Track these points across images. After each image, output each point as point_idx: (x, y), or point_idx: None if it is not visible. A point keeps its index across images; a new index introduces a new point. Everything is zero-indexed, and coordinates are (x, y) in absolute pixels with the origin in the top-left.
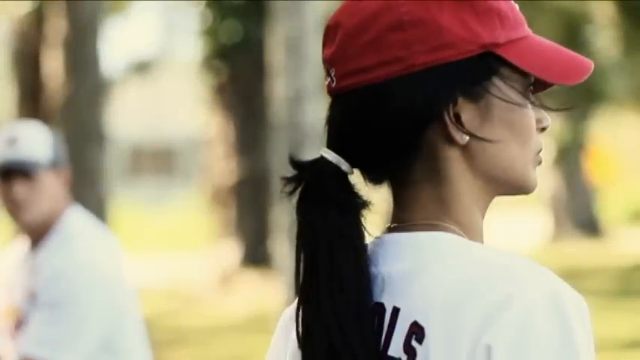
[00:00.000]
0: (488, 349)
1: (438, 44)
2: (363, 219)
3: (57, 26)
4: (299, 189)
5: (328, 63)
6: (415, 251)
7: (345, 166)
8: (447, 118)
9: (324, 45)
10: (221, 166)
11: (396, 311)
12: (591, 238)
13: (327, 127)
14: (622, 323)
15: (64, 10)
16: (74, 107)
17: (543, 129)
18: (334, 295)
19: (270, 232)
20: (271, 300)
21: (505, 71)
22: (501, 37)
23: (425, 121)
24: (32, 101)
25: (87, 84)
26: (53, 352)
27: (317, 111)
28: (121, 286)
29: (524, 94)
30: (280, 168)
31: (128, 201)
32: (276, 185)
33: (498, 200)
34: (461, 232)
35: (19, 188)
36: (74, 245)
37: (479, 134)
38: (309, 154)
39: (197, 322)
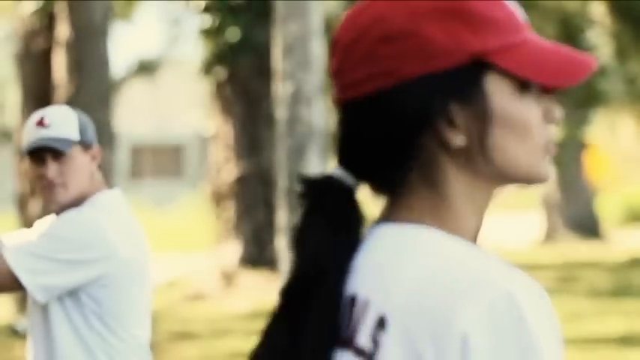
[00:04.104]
0: (465, 337)
1: (427, 55)
2: (358, 234)
3: (64, 27)
4: (306, 203)
5: (332, 76)
6: (391, 243)
7: (350, 180)
8: (440, 125)
9: (331, 58)
10: (222, 166)
11: (366, 302)
12: (588, 239)
13: (335, 139)
14: (619, 322)
15: (72, 12)
16: (82, 108)
17: (552, 120)
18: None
19: (272, 232)
20: (273, 300)
21: (497, 76)
22: (493, 44)
23: (418, 129)
24: (40, 102)
25: (95, 85)
26: (28, 277)
27: (320, 111)
28: (124, 272)
29: (521, 93)
30: (282, 168)
31: (131, 201)
32: (279, 185)
33: (496, 200)
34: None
35: (51, 168)
36: (88, 211)
37: (476, 137)
38: (311, 154)
39: (200, 321)
